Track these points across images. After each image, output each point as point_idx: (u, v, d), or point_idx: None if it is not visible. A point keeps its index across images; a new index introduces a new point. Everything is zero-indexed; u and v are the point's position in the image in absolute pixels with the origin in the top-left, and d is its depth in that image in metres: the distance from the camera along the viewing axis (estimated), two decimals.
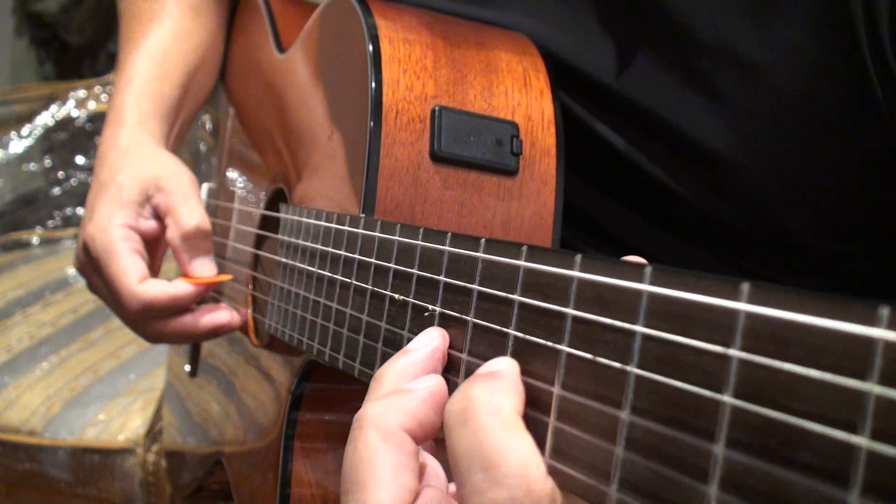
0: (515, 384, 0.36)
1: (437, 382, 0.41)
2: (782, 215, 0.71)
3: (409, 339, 0.47)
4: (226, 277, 0.86)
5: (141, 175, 0.82)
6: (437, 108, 0.65)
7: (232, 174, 1.05)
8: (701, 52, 0.67)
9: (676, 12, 0.68)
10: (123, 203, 0.81)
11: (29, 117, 2.11)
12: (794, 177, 0.68)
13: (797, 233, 0.72)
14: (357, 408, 0.74)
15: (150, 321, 0.81)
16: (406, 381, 0.41)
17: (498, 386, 0.36)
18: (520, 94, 0.69)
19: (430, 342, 0.43)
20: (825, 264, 0.75)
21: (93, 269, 0.83)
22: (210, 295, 1.02)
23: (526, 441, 0.34)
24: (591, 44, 0.73)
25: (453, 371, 0.43)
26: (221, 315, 0.81)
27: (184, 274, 0.81)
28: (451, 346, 0.43)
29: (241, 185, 1.00)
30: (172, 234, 0.80)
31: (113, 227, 0.80)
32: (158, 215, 0.83)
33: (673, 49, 0.69)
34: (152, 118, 0.90)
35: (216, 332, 0.82)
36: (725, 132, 0.68)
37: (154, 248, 0.84)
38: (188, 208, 0.80)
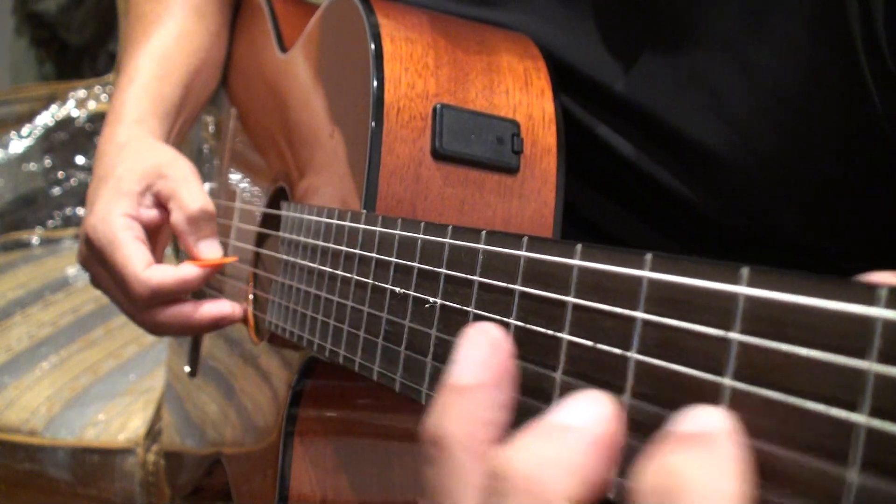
0: (738, 456, 0.25)
1: (610, 411, 0.28)
2: (781, 214, 0.71)
3: (410, 331, 0.48)
4: (231, 259, 0.86)
5: (140, 166, 0.83)
6: (438, 105, 0.66)
7: (234, 174, 1.05)
8: (700, 50, 0.68)
9: (676, 11, 0.68)
10: (123, 193, 0.81)
11: (29, 117, 2.11)
12: (792, 175, 0.68)
13: (796, 232, 0.72)
14: (359, 405, 0.75)
15: (153, 311, 0.80)
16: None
17: (717, 460, 0.25)
18: (521, 93, 0.69)
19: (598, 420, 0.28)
20: (827, 265, 0.75)
21: (97, 260, 0.83)
22: (210, 294, 1.03)
23: None
24: (591, 44, 0.73)
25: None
26: (223, 305, 0.81)
27: (190, 258, 0.81)
28: (451, 336, 0.43)
29: (243, 184, 1.00)
30: (177, 217, 0.80)
31: (113, 216, 0.80)
32: (160, 203, 0.83)
33: (672, 48, 0.69)
34: (151, 117, 0.90)
35: (218, 324, 0.82)
36: (724, 131, 0.68)
37: (155, 237, 0.84)
38: (190, 192, 0.80)
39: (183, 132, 0.98)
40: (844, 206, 0.70)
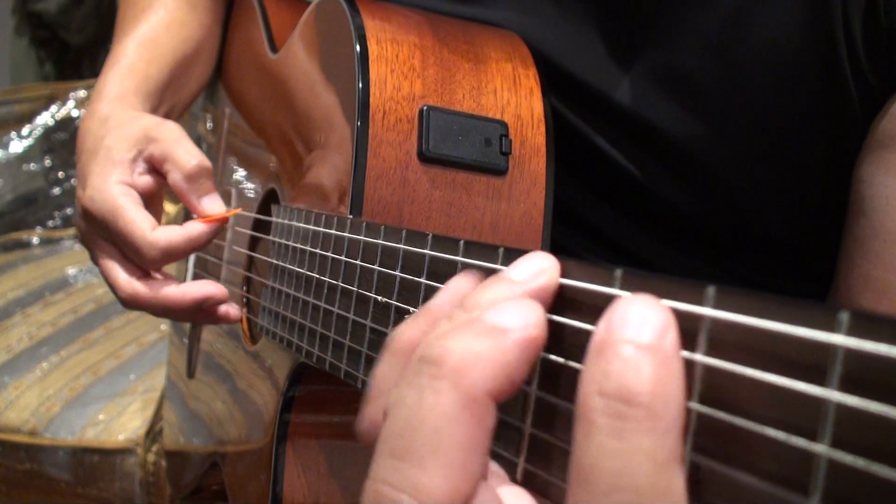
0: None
1: (539, 318, 0.30)
2: (766, 215, 0.71)
3: None
4: (235, 211, 0.85)
5: (129, 134, 0.81)
6: (424, 108, 0.65)
7: (228, 174, 1.05)
8: (684, 52, 0.67)
9: (662, 12, 0.68)
10: (115, 162, 0.80)
11: (29, 117, 2.11)
12: (776, 177, 0.69)
13: (782, 233, 0.72)
14: (350, 410, 0.75)
15: (137, 289, 0.79)
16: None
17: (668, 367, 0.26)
18: (509, 93, 0.68)
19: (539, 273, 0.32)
20: (813, 266, 0.75)
21: (98, 233, 0.81)
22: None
23: None
24: (579, 42, 0.73)
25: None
26: (207, 286, 0.79)
27: (194, 218, 0.80)
28: None
29: (237, 185, 1.00)
30: (175, 177, 0.79)
31: (110, 185, 0.79)
32: (153, 168, 0.81)
33: (657, 49, 0.69)
34: (133, 94, 0.89)
35: (202, 304, 0.79)
36: (707, 132, 0.69)
37: (150, 204, 0.82)
38: (185, 150, 0.79)
39: (170, 119, 0.97)
40: (829, 208, 0.70)
